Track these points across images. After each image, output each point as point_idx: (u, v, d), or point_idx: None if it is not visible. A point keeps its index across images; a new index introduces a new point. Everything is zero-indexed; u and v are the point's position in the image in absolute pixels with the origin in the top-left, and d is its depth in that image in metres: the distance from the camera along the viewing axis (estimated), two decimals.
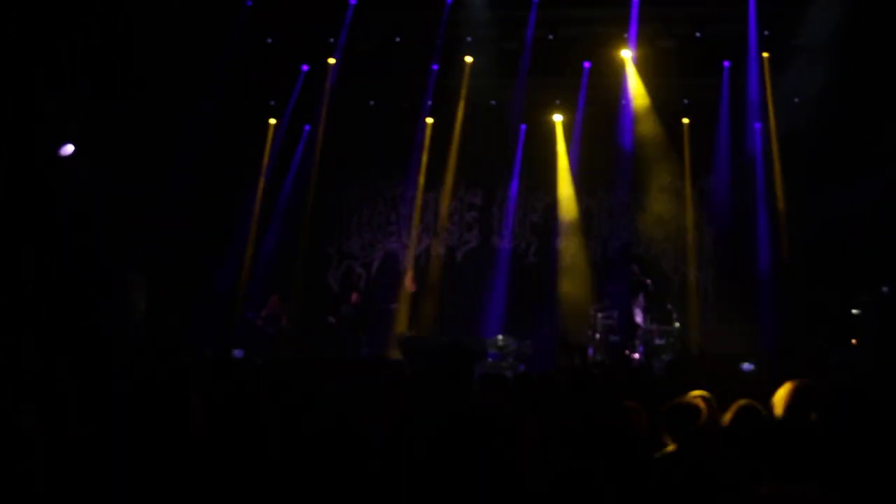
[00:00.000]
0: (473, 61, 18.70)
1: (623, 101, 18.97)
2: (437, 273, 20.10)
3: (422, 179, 20.36)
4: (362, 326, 18.33)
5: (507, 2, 16.91)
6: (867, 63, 15.48)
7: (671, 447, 4.63)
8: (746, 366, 14.11)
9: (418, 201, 20.52)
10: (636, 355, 15.71)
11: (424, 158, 20.24)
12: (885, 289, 13.95)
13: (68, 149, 15.24)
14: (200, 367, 9.19)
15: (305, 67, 18.99)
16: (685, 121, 19.52)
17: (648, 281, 16.06)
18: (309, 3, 17.28)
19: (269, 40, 18.42)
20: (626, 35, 17.79)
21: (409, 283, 19.09)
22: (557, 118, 19.83)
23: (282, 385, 5.80)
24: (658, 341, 17.29)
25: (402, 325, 18.47)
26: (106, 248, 15.76)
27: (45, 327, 13.47)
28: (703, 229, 19.36)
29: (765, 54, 17.69)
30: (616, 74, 18.50)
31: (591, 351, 16.63)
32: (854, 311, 15.54)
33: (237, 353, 16.35)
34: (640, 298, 15.90)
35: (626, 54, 18.14)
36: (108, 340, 14.73)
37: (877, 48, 15.30)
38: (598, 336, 17.53)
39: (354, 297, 18.92)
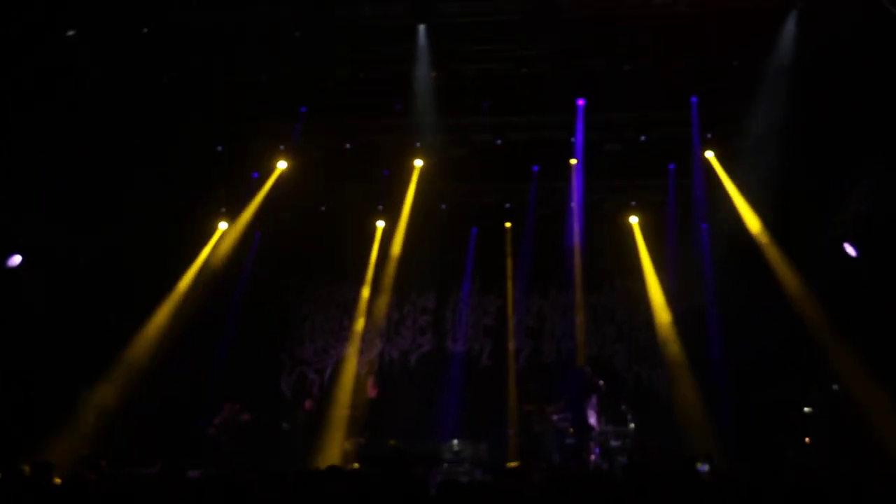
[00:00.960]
0: (423, 165, 18.84)
1: (572, 204, 19.15)
2: (391, 378, 19.95)
3: (368, 283, 20.29)
4: (316, 433, 18.05)
5: (456, 108, 17.07)
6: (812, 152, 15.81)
7: None
8: (702, 467, 14.04)
9: (363, 305, 20.41)
10: (592, 457, 15.58)
11: (372, 262, 20.23)
12: (835, 386, 14.05)
13: (16, 259, 15.08)
14: (150, 483, 8.96)
15: (255, 174, 18.97)
16: (634, 221, 19.77)
17: (601, 382, 16.03)
18: (259, 110, 17.40)
19: (220, 148, 18.51)
20: (572, 139, 18.08)
21: (371, 388, 18.92)
22: (507, 224, 20.03)
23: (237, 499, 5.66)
24: (614, 443, 17.19)
25: (354, 431, 18.18)
26: (55, 359, 15.53)
27: None
28: (656, 329, 19.38)
29: (709, 154, 18.02)
30: (564, 178, 18.74)
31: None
32: (806, 409, 15.62)
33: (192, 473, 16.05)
34: (594, 399, 15.83)
35: (573, 161, 18.39)
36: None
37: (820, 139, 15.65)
38: (553, 437, 17.45)
39: (308, 403, 18.69)
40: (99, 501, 4.43)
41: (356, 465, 15.56)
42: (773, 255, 17.46)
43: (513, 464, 14.59)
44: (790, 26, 14.96)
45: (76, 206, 15.86)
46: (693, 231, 19.04)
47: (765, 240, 17.61)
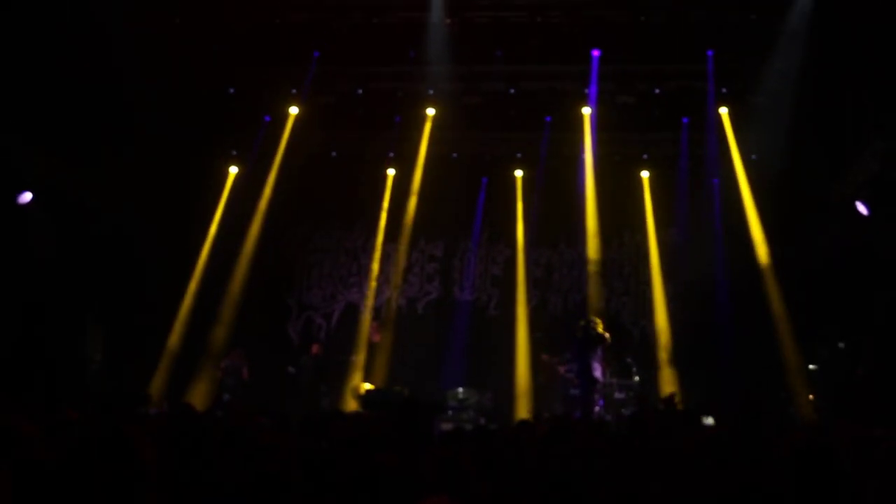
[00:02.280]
0: (435, 114, 18.77)
1: (582, 156, 19.09)
2: (397, 324, 19.99)
3: (381, 231, 20.32)
4: (323, 378, 18.19)
5: (470, 56, 16.98)
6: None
7: None
8: (707, 420, 14.11)
9: (377, 253, 20.46)
10: (596, 408, 15.68)
11: (385, 210, 20.25)
12: (841, 344, 14.07)
13: (26, 196, 15.10)
14: (158, 419, 9.04)
15: (268, 118, 18.93)
16: (644, 175, 19.70)
17: (607, 335, 16.08)
18: (272, 54, 17.34)
19: (231, 90, 18.48)
20: (586, 91, 18.00)
21: (374, 334, 19.06)
22: (518, 172, 19.96)
23: (239, 438, 5.70)
24: (618, 395, 17.32)
25: (360, 377, 18.34)
26: (64, 296, 15.62)
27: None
28: (663, 283, 19.37)
29: (723, 110, 17.93)
30: (576, 129, 18.67)
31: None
32: (811, 367, 15.66)
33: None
34: (599, 352, 15.87)
35: (586, 110, 18.33)
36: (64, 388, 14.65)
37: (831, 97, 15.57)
38: (558, 389, 17.62)
39: (315, 348, 18.80)
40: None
41: (361, 410, 15.66)
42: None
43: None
44: None
45: (86, 146, 15.83)
46: (704, 187, 18.96)
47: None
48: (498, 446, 6.28)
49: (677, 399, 15.09)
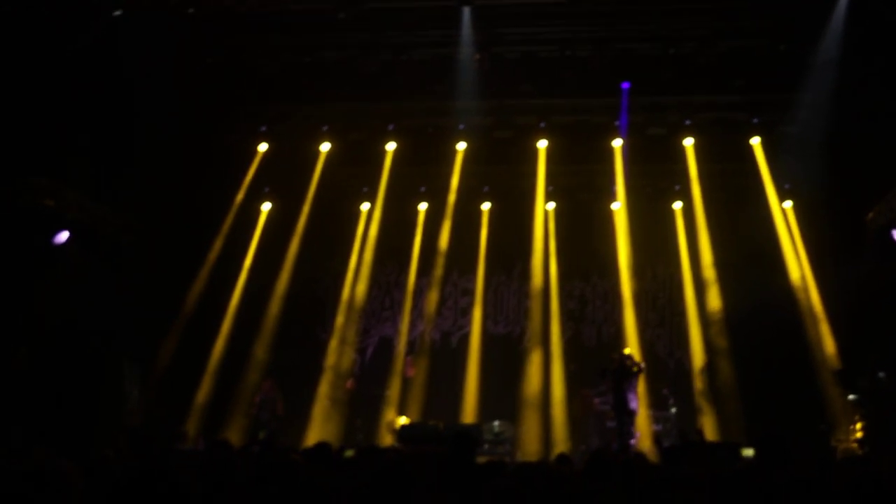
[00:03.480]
0: (466, 147, 18.85)
1: (614, 188, 19.09)
2: (431, 358, 19.97)
3: (414, 265, 20.38)
4: (357, 413, 18.20)
5: (500, 90, 17.07)
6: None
7: None
8: (747, 452, 13.97)
9: (410, 287, 20.51)
10: (633, 441, 15.57)
11: (417, 244, 20.32)
12: (881, 374, 13.90)
13: (63, 236, 15.26)
14: (195, 456, 9.06)
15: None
16: (677, 206, 19.65)
17: (643, 364, 16.00)
18: (303, 92, 17.51)
19: (263, 128, 18.68)
20: (617, 123, 18.04)
21: (408, 368, 19.08)
22: (550, 205, 19.96)
23: (275, 474, 5.70)
24: (655, 427, 17.21)
25: (395, 411, 18.33)
26: (102, 335, 15.72)
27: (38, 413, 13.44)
28: (699, 315, 19.22)
29: (755, 140, 17.89)
30: (607, 161, 18.68)
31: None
32: (851, 397, 15.47)
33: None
34: (634, 383, 15.79)
35: (617, 143, 18.35)
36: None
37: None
38: (593, 421, 17.53)
39: (350, 382, 18.81)
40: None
41: (396, 444, 15.62)
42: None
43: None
44: (840, 13, 14.82)
45: (122, 186, 16.02)
46: (737, 217, 18.85)
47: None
48: (538, 481, 6.23)
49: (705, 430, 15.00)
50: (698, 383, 18.55)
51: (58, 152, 14.65)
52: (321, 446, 8.27)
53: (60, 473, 3.72)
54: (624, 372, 15.59)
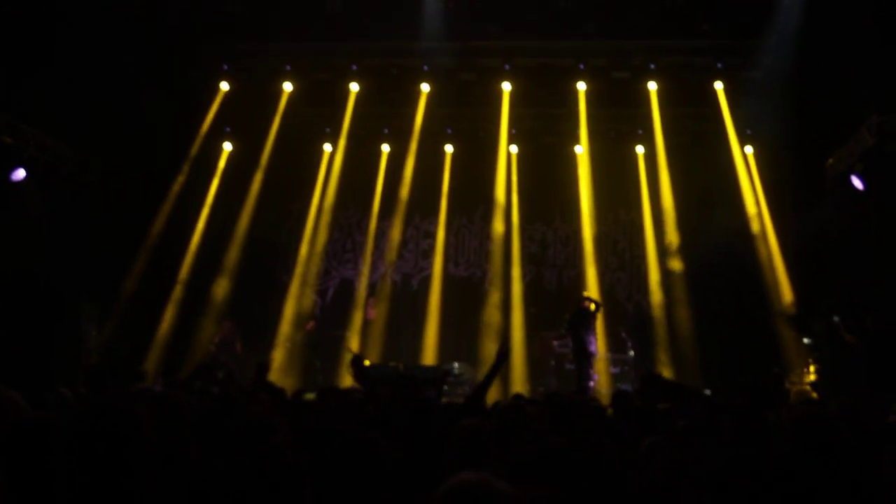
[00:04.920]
0: (430, 90, 18.74)
1: (577, 132, 19.07)
2: (392, 300, 20.00)
3: (376, 207, 20.32)
4: (317, 354, 18.20)
5: (465, 32, 16.94)
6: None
7: None
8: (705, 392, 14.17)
9: (371, 229, 20.46)
10: (591, 383, 15.73)
11: (379, 186, 20.25)
12: (836, 318, 14.07)
13: (20, 174, 15.04)
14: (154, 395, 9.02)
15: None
16: (639, 150, 19.67)
17: (599, 302, 16.15)
18: (266, 30, 17.29)
19: (225, 66, 18.45)
20: (580, 65, 17.98)
21: (369, 310, 19.10)
22: (513, 149, 19.91)
23: (239, 414, 5.71)
24: (613, 370, 17.40)
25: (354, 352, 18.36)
26: (60, 275, 15.59)
27: None
28: (658, 258, 19.35)
29: (718, 85, 17.92)
30: (571, 105, 18.64)
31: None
32: (805, 341, 15.69)
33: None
34: (593, 325, 15.93)
35: (581, 86, 18.31)
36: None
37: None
38: (553, 364, 17.67)
39: (310, 324, 18.81)
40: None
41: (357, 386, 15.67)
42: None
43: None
44: None
45: (79, 124, 15.79)
46: (700, 161, 18.89)
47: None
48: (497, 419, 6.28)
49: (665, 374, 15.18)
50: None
51: (15, 88, 14.38)
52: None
53: (9, 403, 3.69)
54: (582, 314, 15.72)
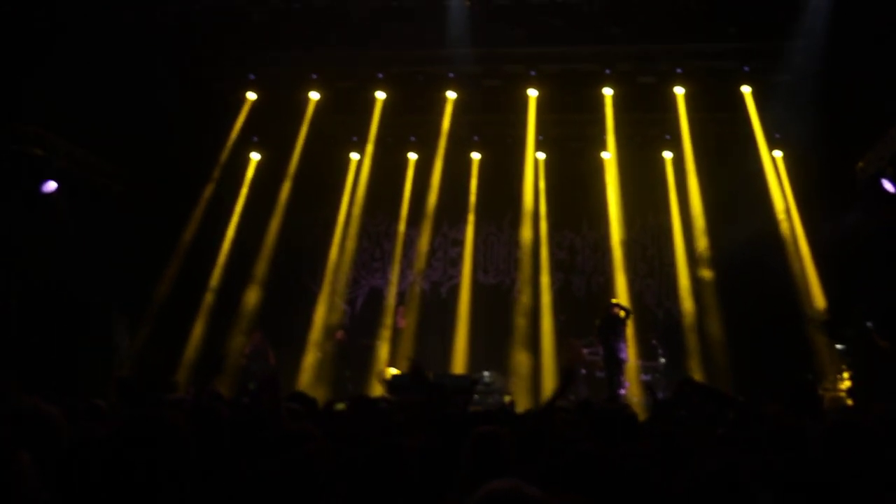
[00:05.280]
0: (456, 97, 18.74)
1: (604, 137, 19.01)
2: (421, 309, 19.99)
3: (404, 215, 20.33)
4: (348, 364, 18.22)
5: (490, 38, 16.93)
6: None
7: None
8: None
9: (399, 237, 20.48)
10: (622, 391, 15.66)
11: (407, 194, 20.26)
12: (869, 324, 13.94)
13: (51, 185, 15.16)
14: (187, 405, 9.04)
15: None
16: (667, 155, 19.57)
17: (630, 309, 16.09)
18: (292, 39, 17.34)
19: (252, 76, 18.54)
20: (607, 71, 17.94)
21: (399, 319, 19.10)
22: (540, 155, 19.86)
23: (271, 423, 5.70)
24: (644, 377, 17.30)
25: (384, 361, 18.39)
26: (91, 286, 15.69)
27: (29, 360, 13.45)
28: (688, 264, 19.23)
29: (746, 89, 17.81)
30: (598, 111, 18.58)
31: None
32: (838, 347, 15.55)
33: None
34: (623, 332, 15.86)
35: (608, 91, 18.26)
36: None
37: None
38: (584, 372, 17.59)
39: (339, 334, 18.82)
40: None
41: (386, 395, 15.66)
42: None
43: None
44: None
45: (111, 136, 15.90)
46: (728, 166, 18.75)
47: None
48: (526, 428, 6.25)
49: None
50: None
51: (46, 99, 14.50)
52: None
53: (48, 417, 3.70)
54: (612, 321, 15.65)
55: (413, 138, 20.24)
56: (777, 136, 18.36)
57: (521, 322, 18.85)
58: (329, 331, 19.22)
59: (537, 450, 5.10)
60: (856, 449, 3.99)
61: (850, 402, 14.29)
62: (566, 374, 7.61)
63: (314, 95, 18.72)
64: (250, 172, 19.78)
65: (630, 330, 16.60)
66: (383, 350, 18.85)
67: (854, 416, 4.85)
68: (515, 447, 4.81)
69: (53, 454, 3.63)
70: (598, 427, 6.37)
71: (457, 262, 20.80)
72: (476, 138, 20.22)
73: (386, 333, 19.21)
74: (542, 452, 5.00)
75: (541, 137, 19.54)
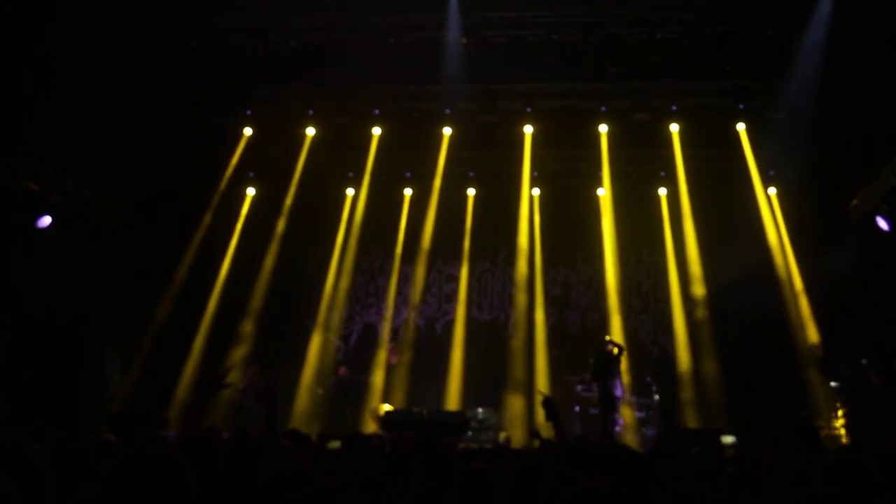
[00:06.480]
0: (452, 133, 18.80)
1: (600, 174, 19.06)
2: (415, 345, 19.91)
3: (398, 251, 20.31)
4: (349, 400, 18.13)
5: (486, 75, 17.03)
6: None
7: None
8: (728, 439, 14.01)
9: (394, 273, 20.45)
10: (617, 428, 15.59)
11: (402, 230, 20.25)
12: (864, 361, 13.93)
13: (45, 220, 15.14)
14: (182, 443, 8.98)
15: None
16: (662, 192, 19.61)
17: (622, 346, 16.04)
18: (287, 76, 17.43)
19: (248, 112, 18.60)
20: (602, 107, 18.03)
21: (391, 355, 19.04)
22: (535, 191, 19.90)
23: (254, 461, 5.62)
24: (638, 414, 17.22)
25: (379, 398, 18.31)
26: (83, 320, 15.64)
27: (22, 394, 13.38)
28: (682, 301, 19.20)
29: (740, 126, 17.90)
30: (592, 147, 18.64)
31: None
32: (833, 384, 15.53)
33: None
34: (618, 369, 15.80)
35: (602, 128, 18.33)
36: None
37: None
38: (577, 409, 17.50)
39: (342, 370, 18.75)
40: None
41: (380, 432, 15.58)
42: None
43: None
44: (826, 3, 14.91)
45: (104, 170, 15.92)
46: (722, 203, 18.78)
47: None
48: (520, 466, 6.21)
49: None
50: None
51: (43, 134, 14.52)
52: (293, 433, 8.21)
53: (29, 452, 3.63)
54: (606, 358, 15.60)
55: (408, 174, 20.29)
56: (771, 172, 18.42)
57: (515, 358, 18.78)
58: (324, 367, 19.15)
59: (534, 487, 5.05)
60: (855, 489, 3.96)
61: (845, 439, 14.25)
62: (547, 405, 7.50)
63: (310, 131, 18.79)
64: (246, 207, 19.79)
65: (624, 367, 16.51)
66: (377, 386, 18.77)
67: (852, 455, 4.82)
68: (512, 484, 4.76)
69: (38, 491, 3.57)
70: (598, 465, 6.33)
71: (451, 297, 20.75)
72: (471, 174, 20.27)
73: (380, 370, 19.12)
74: (541, 490, 4.96)
75: (536, 174, 19.58)
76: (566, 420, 17.46)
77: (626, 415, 16.97)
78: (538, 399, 17.37)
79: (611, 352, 15.71)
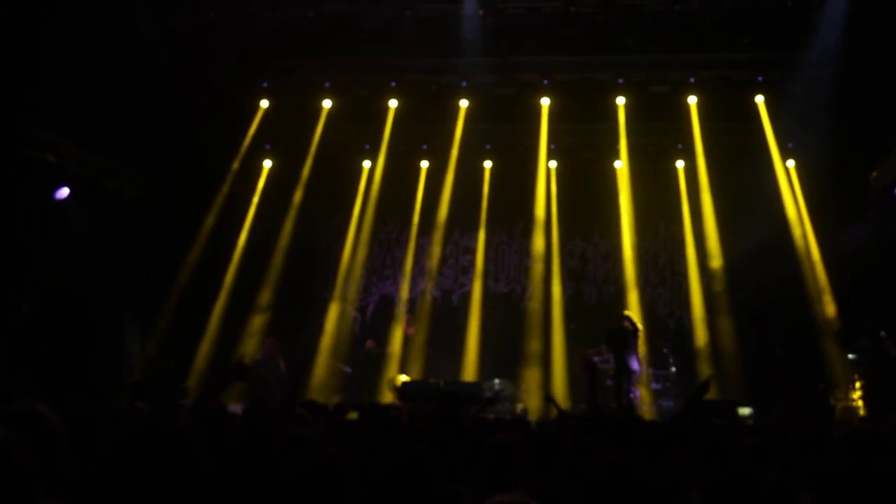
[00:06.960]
0: (469, 105, 18.77)
1: (617, 146, 19.00)
2: (432, 316, 19.97)
3: (415, 223, 20.32)
4: (373, 372, 18.26)
5: (503, 47, 16.97)
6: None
7: None
8: (745, 410, 14.03)
9: (411, 245, 20.46)
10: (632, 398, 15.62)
11: (419, 202, 20.25)
12: (882, 333, 13.89)
13: (64, 192, 15.22)
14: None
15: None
16: (679, 165, 19.53)
17: (640, 325, 16.02)
18: (305, 47, 17.40)
19: (265, 84, 18.62)
20: (619, 80, 17.96)
21: (408, 327, 19.09)
22: (553, 164, 19.86)
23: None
24: (655, 386, 17.25)
25: (396, 369, 18.40)
26: (103, 291, 15.74)
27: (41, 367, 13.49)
28: (699, 274, 19.17)
29: (759, 99, 17.79)
30: (610, 120, 18.58)
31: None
32: (851, 357, 15.50)
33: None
34: (634, 343, 15.80)
35: (620, 101, 18.27)
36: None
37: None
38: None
39: (370, 343, 18.84)
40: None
41: (397, 402, 15.67)
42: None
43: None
44: None
45: (123, 143, 15.96)
46: (738, 176, 18.69)
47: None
48: (538, 436, 6.25)
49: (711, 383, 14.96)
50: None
51: (60, 106, 14.56)
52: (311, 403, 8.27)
53: (43, 419, 3.67)
54: (622, 333, 15.61)
55: (425, 146, 20.25)
56: (790, 145, 18.32)
57: (531, 331, 18.80)
58: (342, 339, 19.23)
59: (552, 458, 5.09)
60: (873, 458, 3.97)
61: (862, 411, 14.25)
62: (590, 369, 7.53)
63: (327, 103, 18.79)
64: (263, 179, 19.84)
65: (641, 341, 16.47)
66: (394, 357, 18.86)
67: (869, 425, 4.83)
68: (530, 455, 4.81)
69: (51, 457, 3.61)
70: (615, 435, 6.36)
71: (468, 270, 20.77)
72: (488, 147, 20.23)
73: (397, 340, 19.19)
74: (558, 461, 5.00)
75: (553, 146, 19.53)
76: (583, 393, 17.54)
77: (643, 388, 16.99)
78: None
79: (626, 327, 15.71)
